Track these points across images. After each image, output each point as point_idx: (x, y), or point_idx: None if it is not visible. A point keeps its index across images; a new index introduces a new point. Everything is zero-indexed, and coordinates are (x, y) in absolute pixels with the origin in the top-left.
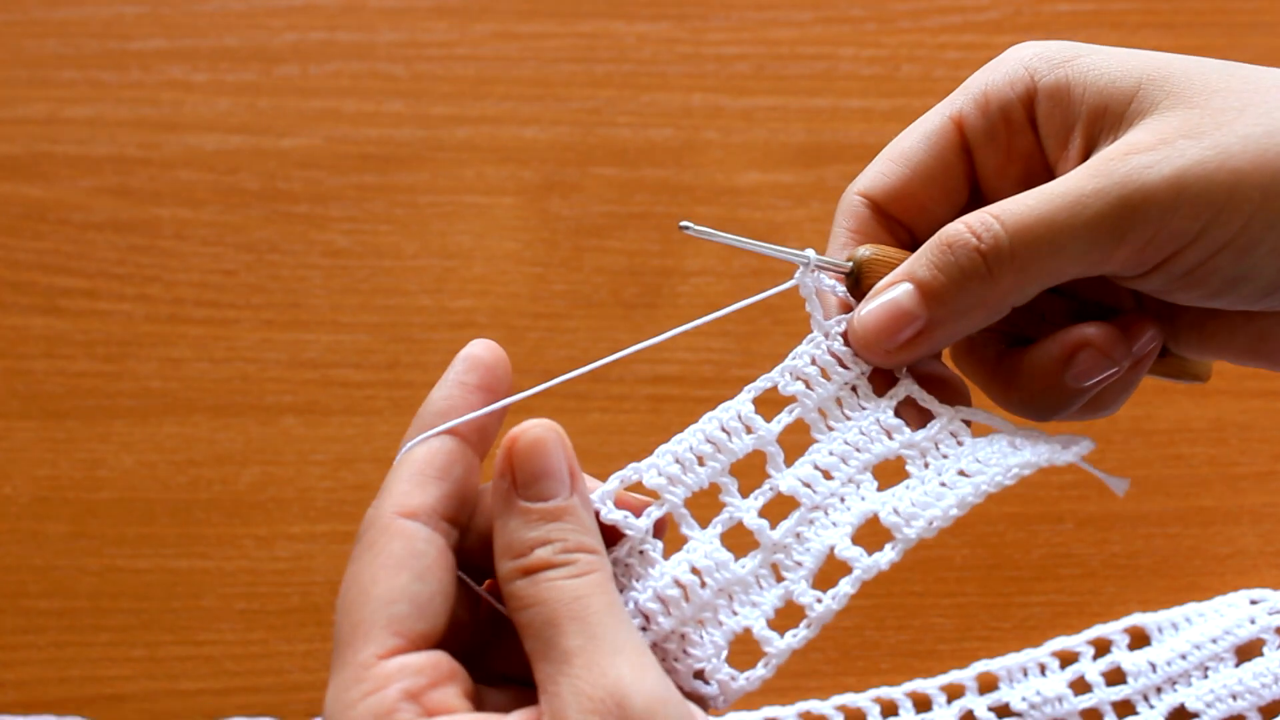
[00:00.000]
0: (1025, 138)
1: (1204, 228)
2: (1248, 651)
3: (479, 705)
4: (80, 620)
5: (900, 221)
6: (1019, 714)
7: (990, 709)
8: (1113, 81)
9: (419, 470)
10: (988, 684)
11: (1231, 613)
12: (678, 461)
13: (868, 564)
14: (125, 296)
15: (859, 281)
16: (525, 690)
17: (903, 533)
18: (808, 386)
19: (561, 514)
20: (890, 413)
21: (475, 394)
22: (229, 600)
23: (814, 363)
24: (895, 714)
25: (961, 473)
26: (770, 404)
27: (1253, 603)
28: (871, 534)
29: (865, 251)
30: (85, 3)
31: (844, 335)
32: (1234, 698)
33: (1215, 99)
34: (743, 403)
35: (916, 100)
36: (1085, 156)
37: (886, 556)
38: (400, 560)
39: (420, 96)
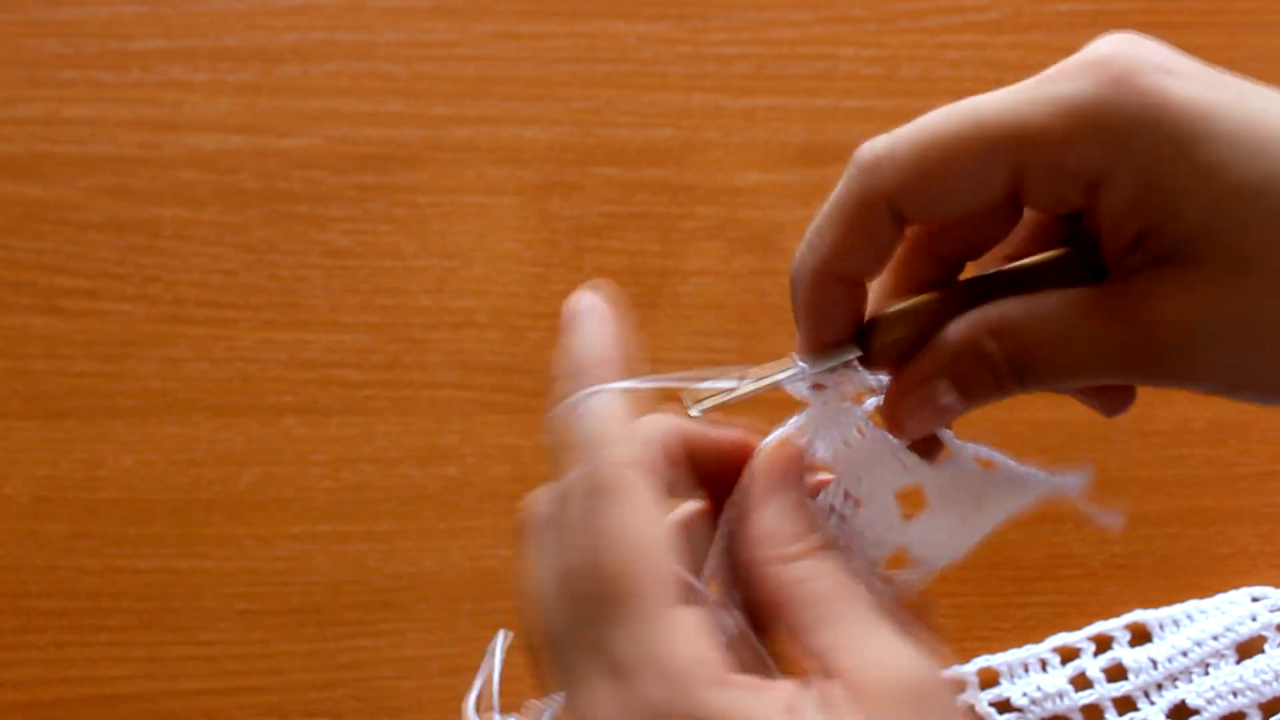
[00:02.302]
0: (1077, 201)
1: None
2: (1249, 649)
3: None
4: (80, 620)
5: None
6: (1020, 709)
7: (991, 704)
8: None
9: (622, 419)
10: (988, 679)
11: (1233, 610)
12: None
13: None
14: (125, 296)
15: (869, 360)
16: None
17: (932, 564)
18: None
19: (810, 519)
20: (904, 449)
21: (611, 336)
22: (229, 600)
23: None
24: None
25: (975, 503)
26: None
27: (1254, 600)
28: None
29: (866, 323)
30: (85, 3)
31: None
32: (1235, 694)
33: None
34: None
35: (917, 100)
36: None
37: (920, 575)
38: (653, 510)
39: (420, 96)
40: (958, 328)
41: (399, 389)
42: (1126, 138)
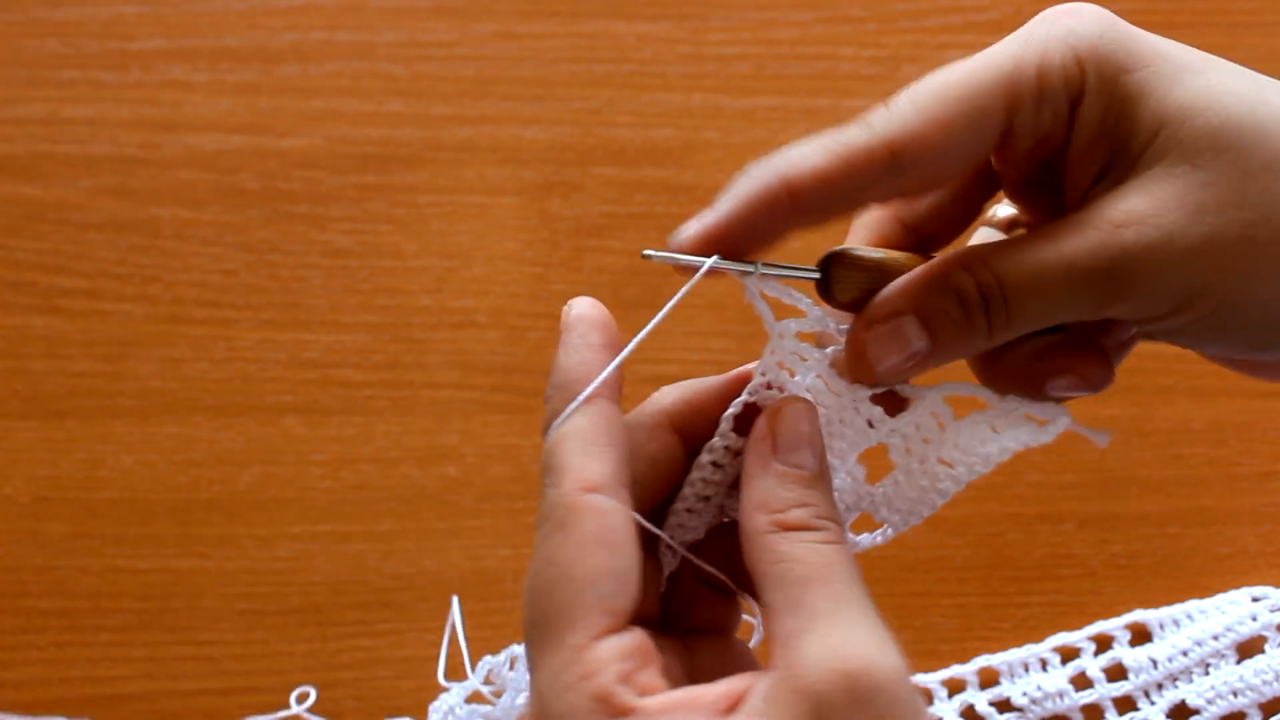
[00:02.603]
0: (1059, 130)
1: (1198, 294)
2: (1249, 648)
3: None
4: (80, 620)
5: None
6: (1020, 709)
7: (991, 703)
8: (1156, 111)
9: (589, 441)
10: (989, 679)
11: (1233, 610)
12: (689, 511)
13: (865, 543)
14: (125, 296)
15: (829, 286)
16: (685, 642)
17: (896, 526)
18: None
19: (814, 482)
20: (867, 401)
21: (603, 353)
22: (229, 600)
23: (782, 366)
24: None
25: (942, 461)
26: None
27: (1254, 600)
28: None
29: (837, 249)
30: (85, 3)
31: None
32: (1235, 694)
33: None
34: (723, 434)
35: None
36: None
37: (885, 535)
38: (596, 538)
39: (420, 96)
40: (926, 269)
41: (399, 389)
42: (1094, 58)
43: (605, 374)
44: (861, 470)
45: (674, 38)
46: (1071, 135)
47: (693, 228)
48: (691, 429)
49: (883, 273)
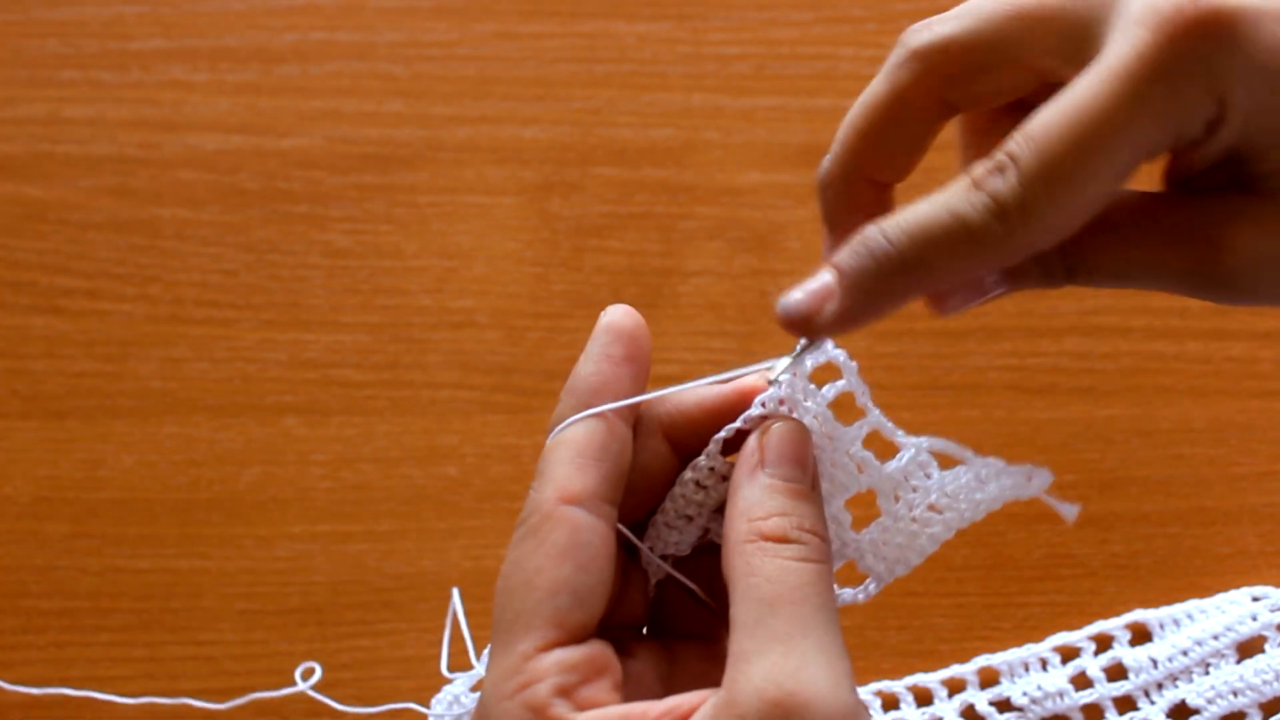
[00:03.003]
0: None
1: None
2: (1249, 648)
3: (626, 682)
4: (80, 620)
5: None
6: (1020, 708)
7: (991, 703)
8: None
9: (578, 452)
10: (989, 678)
11: (1233, 609)
12: (669, 526)
13: (846, 598)
14: (125, 296)
15: None
16: (669, 648)
17: (881, 576)
18: None
19: (801, 496)
20: (859, 445)
21: (622, 366)
22: (229, 600)
23: (783, 403)
24: (896, 707)
25: (932, 507)
26: None
27: (1254, 600)
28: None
29: None
30: (85, 3)
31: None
32: (1235, 694)
33: None
34: (710, 455)
35: None
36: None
37: (866, 591)
38: (565, 550)
39: (420, 96)
40: None
41: (399, 389)
42: (1226, 84)
43: (621, 404)
44: (848, 516)
45: (674, 38)
46: (1192, 146)
47: (827, 318)
48: (684, 439)
49: None
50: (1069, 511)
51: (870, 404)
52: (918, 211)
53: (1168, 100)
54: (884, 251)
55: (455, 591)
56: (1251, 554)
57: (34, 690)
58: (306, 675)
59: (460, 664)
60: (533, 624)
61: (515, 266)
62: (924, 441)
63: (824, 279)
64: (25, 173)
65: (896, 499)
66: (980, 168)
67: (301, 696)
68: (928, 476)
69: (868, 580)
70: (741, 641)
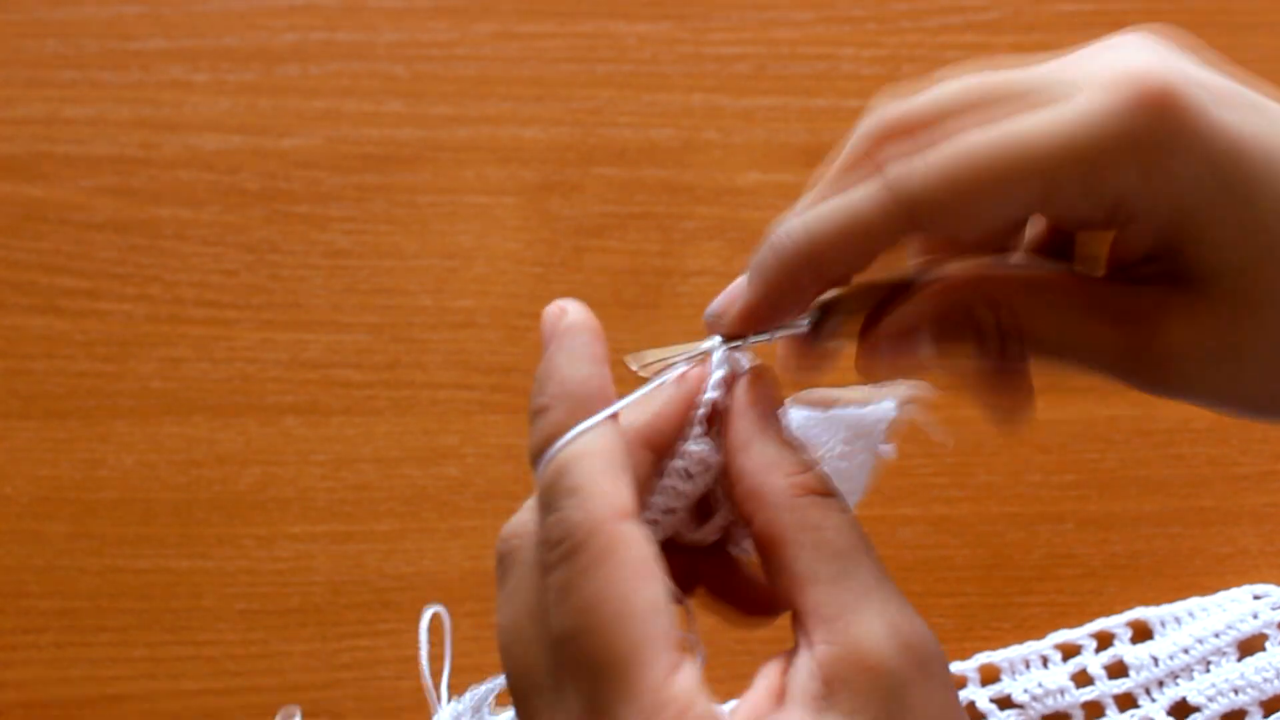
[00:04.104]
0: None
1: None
2: (1250, 646)
3: None
4: (80, 620)
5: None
6: (1021, 706)
7: (992, 700)
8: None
9: (612, 463)
10: (989, 676)
11: (1234, 607)
12: (651, 522)
13: None
14: (125, 296)
15: (819, 333)
16: None
17: None
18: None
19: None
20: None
21: (603, 366)
22: (229, 600)
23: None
24: None
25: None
26: None
27: (1255, 598)
28: None
29: (825, 298)
30: (85, 3)
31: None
32: (1235, 692)
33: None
34: (695, 439)
35: None
36: None
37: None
38: (644, 569)
39: (420, 96)
40: (947, 285)
41: (399, 389)
42: (1167, 164)
43: (628, 399)
44: None
45: (674, 38)
46: (1125, 229)
47: (730, 314)
48: (662, 441)
49: (874, 293)
50: (943, 437)
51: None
52: (818, 203)
53: (1102, 154)
54: (778, 237)
55: (426, 614)
56: (1251, 554)
57: None
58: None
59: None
60: (655, 647)
61: (515, 266)
62: (800, 403)
63: (738, 281)
64: (25, 173)
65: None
66: (888, 157)
67: (300, 698)
68: (826, 426)
69: None
70: (834, 594)
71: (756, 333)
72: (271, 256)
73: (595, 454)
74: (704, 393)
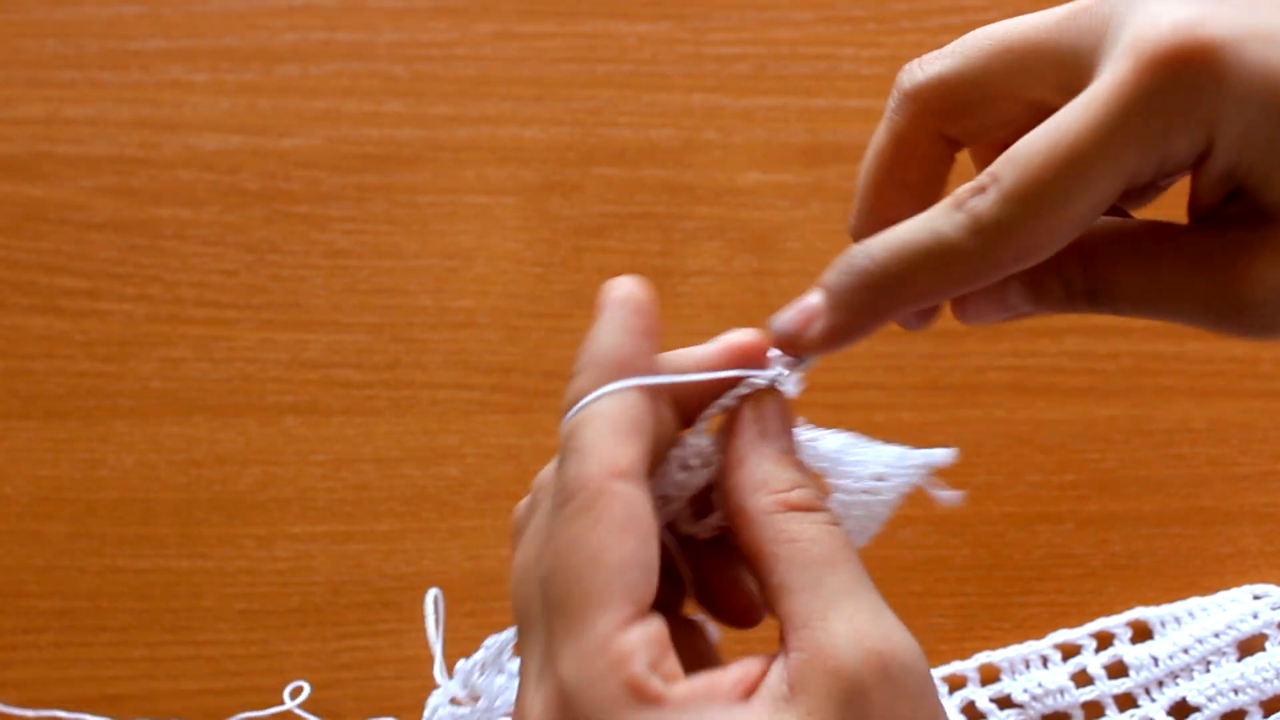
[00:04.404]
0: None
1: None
2: (1250, 646)
3: None
4: (80, 620)
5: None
6: (1020, 705)
7: (992, 700)
8: None
9: (618, 426)
10: (989, 675)
11: (1234, 607)
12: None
13: None
14: (125, 296)
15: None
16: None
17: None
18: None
19: (805, 469)
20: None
21: (642, 340)
22: (229, 600)
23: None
24: None
25: (878, 478)
26: None
27: (1255, 598)
28: None
29: None
30: (85, 3)
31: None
32: (1235, 692)
33: None
34: (697, 432)
35: None
36: None
37: None
38: (625, 525)
39: (420, 96)
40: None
41: (399, 389)
42: (1214, 117)
43: (656, 379)
44: None
45: (674, 38)
46: (1194, 175)
47: (809, 335)
48: (685, 407)
49: None
50: (954, 499)
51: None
52: (900, 230)
53: (1149, 129)
54: (865, 269)
55: (430, 596)
56: (1251, 554)
57: (29, 713)
58: (295, 694)
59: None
60: (608, 601)
61: (515, 266)
62: (823, 433)
63: (812, 299)
64: (25, 173)
65: (845, 475)
66: (964, 189)
67: (305, 701)
68: (859, 455)
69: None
70: (804, 602)
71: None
72: (271, 256)
73: (606, 416)
74: (721, 398)
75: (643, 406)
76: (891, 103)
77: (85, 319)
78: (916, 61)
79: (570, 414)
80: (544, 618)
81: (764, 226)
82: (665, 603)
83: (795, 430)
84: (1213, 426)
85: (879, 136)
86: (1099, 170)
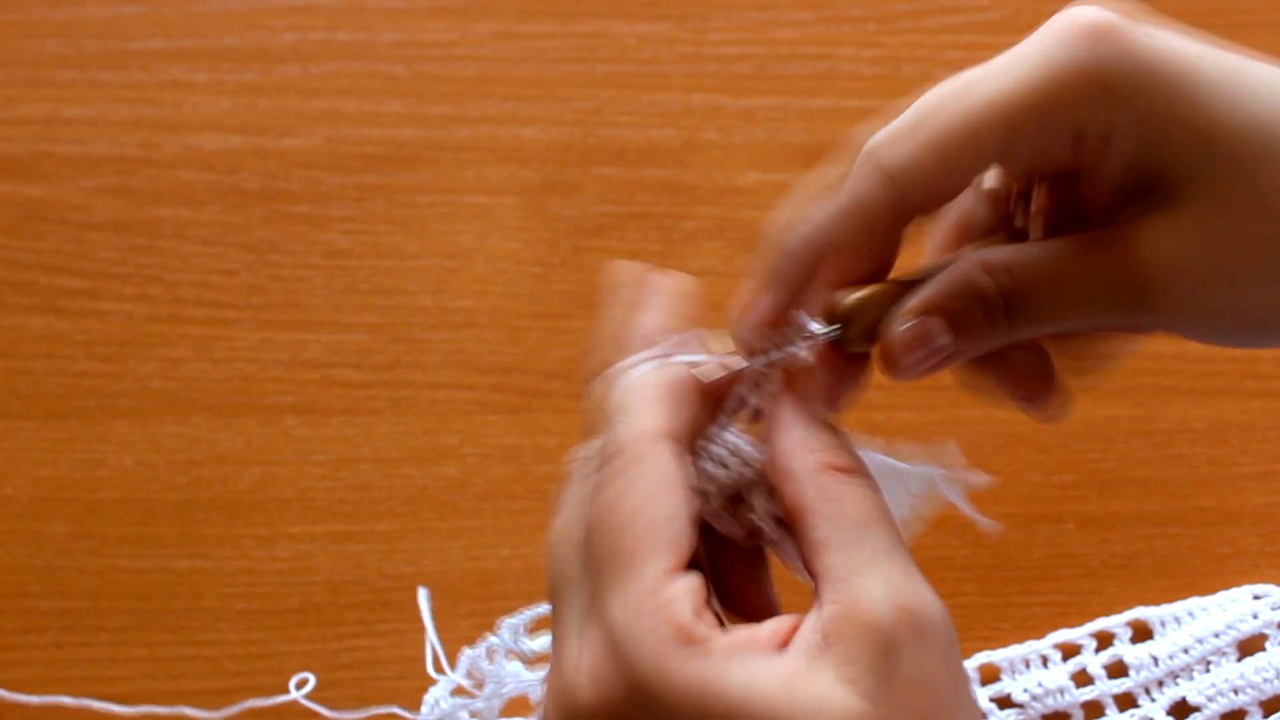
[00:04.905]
0: (1082, 162)
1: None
2: (1250, 646)
3: None
4: (80, 620)
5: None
6: (1020, 705)
7: (991, 700)
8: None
9: (663, 392)
10: (989, 675)
11: (1234, 607)
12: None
13: None
14: (125, 296)
15: (848, 338)
16: None
17: None
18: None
19: (844, 435)
20: None
21: (645, 309)
22: (229, 600)
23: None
24: None
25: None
26: None
27: (1255, 598)
28: None
29: (850, 300)
30: (85, 3)
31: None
32: (1235, 692)
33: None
34: (727, 429)
35: None
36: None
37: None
38: (667, 480)
39: (420, 96)
40: (951, 268)
41: (399, 389)
42: (1125, 93)
43: (678, 356)
44: None
45: (674, 38)
46: (1098, 165)
47: (749, 319)
48: (718, 395)
49: (887, 295)
50: (991, 527)
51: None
52: (815, 201)
53: (1056, 87)
54: (783, 236)
55: (422, 593)
56: (1251, 554)
57: (33, 699)
58: (300, 685)
59: (440, 668)
60: (655, 550)
61: (515, 266)
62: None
63: (745, 287)
64: (25, 173)
65: None
66: None
67: (295, 705)
68: (883, 478)
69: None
70: (843, 558)
71: (774, 337)
72: (271, 256)
73: (651, 384)
74: (736, 391)
75: (685, 378)
76: (862, 176)
77: (85, 319)
78: (889, 135)
79: (606, 375)
80: (587, 573)
81: (764, 226)
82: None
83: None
84: (1213, 426)
85: (840, 207)
86: (1002, 125)
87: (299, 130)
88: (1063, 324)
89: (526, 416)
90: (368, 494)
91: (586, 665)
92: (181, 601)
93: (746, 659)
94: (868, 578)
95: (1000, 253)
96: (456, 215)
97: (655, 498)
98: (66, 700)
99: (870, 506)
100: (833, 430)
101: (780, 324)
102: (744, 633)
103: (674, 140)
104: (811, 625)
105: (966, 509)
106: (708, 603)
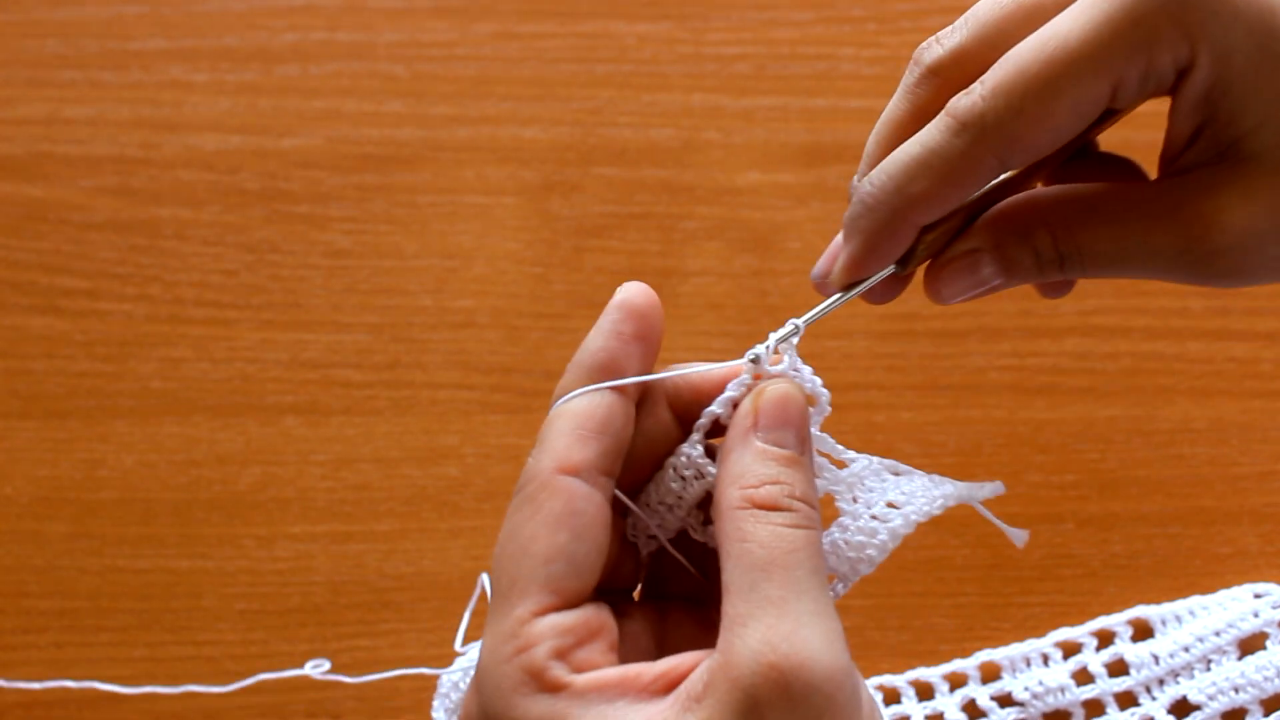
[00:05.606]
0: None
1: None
2: (1250, 645)
3: (621, 643)
4: (80, 620)
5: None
6: (1021, 703)
7: (993, 698)
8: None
9: (579, 424)
10: (990, 673)
11: (1235, 606)
12: (649, 508)
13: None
14: (125, 296)
15: (908, 258)
16: (662, 610)
17: (845, 576)
18: None
19: (793, 463)
20: (816, 454)
21: (631, 343)
22: (229, 600)
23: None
24: (898, 702)
25: (890, 504)
26: None
27: (1256, 596)
28: None
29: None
30: (85, 3)
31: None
32: (1236, 690)
33: None
34: (692, 444)
35: None
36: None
37: (834, 592)
38: (559, 518)
39: (420, 96)
40: (1011, 209)
41: (399, 389)
42: (1203, 29)
43: (626, 381)
44: None
45: (674, 38)
46: (1173, 102)
47: (836, 271)
48: (688, 410)
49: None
50: (1019, 537)
51: (818, 426)
52: (894, 152)
53: (1137, 32)
54: (867, 193)
55: (484, 577)
56: (1252, 554)
57: (35, 685)
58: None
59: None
60: (529, 590)
61: (515, 266)
62: (874, 459)
63: (835, 241)
64: (25, 173)
65: (855, 500)
66: (954, 98)
67: (304, 679)
68: (883, 480)
69: (835, 582)
70: (735, 605)
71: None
72: (271, 256)
73: (567, 415)
74: (711, 405)
75: (611, 408)
76: (910, 78)
77: (85, 319)
78: (934, 38)
79: (550, 412)
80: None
81: (764, 226)
82: (693, 593)
83: (822, 442)
84: (1213, 426)
85: (897, 108)
86: (1084, 69)
87: (299, 130)
88: (1117, 274)
89: (526, 416)
90: (368, 494)
91: (466, 697)
92: (181, 601)
93: (606, 705)
94: (748, 628)
95: (1061, 206)
96: (456, 215)
97: (538, 539)
98: (70, 684)
99: (775, 549)
100: (773, 456)
101: (860, 272)
102: (618, 673)
103: (674, 140)
104: (699, 672)
105: (998, 523)
106: (589, 640)
